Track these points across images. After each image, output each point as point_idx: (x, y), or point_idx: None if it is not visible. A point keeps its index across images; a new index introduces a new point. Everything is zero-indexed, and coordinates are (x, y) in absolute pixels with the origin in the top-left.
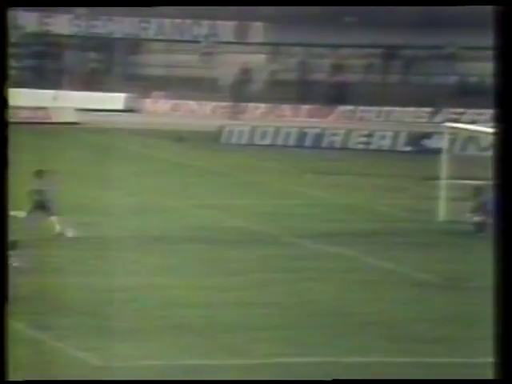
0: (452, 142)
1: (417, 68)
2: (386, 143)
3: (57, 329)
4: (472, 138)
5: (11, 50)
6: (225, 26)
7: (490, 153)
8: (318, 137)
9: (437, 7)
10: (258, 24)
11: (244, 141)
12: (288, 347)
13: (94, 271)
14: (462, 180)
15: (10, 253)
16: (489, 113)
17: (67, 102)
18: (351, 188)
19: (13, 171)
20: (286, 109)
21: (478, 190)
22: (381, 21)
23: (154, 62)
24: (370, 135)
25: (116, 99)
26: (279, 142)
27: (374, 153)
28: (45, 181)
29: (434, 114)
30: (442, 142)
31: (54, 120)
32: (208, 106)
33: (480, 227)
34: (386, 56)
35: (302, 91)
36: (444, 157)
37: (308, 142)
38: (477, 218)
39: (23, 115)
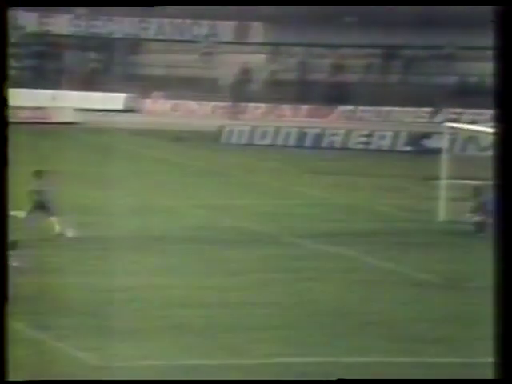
0: (452, 142)
1: (416, 68)
2: (385, 143)
3: (57, 329)
4: (472, 138)
5: (11, 50)
6: (225, 25)
7: (489, 153)
8: (318, 137)
9: (436, 7)
10: (258, 24)
11: (244, 141)
12: (288, 347)
13: (94, 271)
14: (461, 180)
15: (10, 253)
16: (488, 113)
17: (66, 102)
18: (351, 188)
19: (12, 171)
20: (286, 109)
21: (477, 190)
22: (380, 21)
23: (154, 62)
24: (369, 135)
25: (116, 99)
26: (279, 142)
27: (373, 153)
28: (44, 181)
29: (433, 114)
30: (442, 142)
31: (53, 120)
32: (208, 106)
33: (480, 227)
34: (386, 56)
35: (301, 91)
36: (444, 157)
37: (308, 141)
38: (477, 218)
39: (22, 115)
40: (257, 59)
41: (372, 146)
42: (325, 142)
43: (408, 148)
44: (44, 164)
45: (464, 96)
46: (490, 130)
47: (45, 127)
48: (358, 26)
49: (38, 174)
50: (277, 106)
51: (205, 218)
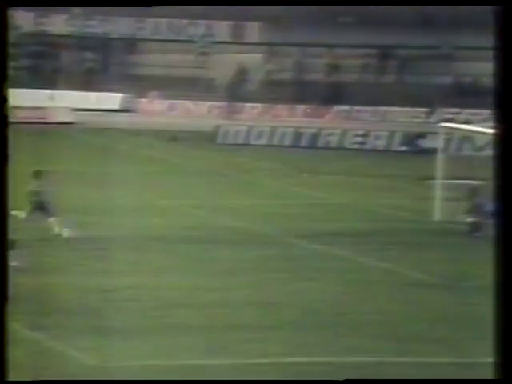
0: (447, 142)
1: (412, 68)
2: (381, 143)
3: (54, 329)
4: (467, 138)
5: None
6: (221, 25)
7: (485, 153)
8: (314, 137)
9: (432, 7)
10: (254, 24)
11: (240, 141)
12: (285, 347)
13: (92, 271)
14: (457, 180)
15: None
16: (484, 113)
17: (63, 102)
18: (347, 188)
19: (10, 171)
20: (282, 109)
21: (472, 191)
22: (376, 21)
23: (150, 61)
24: (365, 135)
25: (112, 99)
26: (275, 141)
27: (369, 153)
28: (42, 181)
29: (429, 114)
30: (438, 142)
31: (50, 120)
32: (204, 106)
33: (475, 227)
34: (382, 56)
35: (297, 91)
36: (439, 157)
37: (304, 141)
38: (471, 219)
39: (19, 115)
40: (253, 59)
41: (368, 146)
42: (321, 142)
43: (403, 148)
44: (41, 164)
45: (460, 96)
46: (486, 130)
47: (41, 127)
48: (354, 26)
49: (37, 174)
50: (273, 105)
51: (201, 218)
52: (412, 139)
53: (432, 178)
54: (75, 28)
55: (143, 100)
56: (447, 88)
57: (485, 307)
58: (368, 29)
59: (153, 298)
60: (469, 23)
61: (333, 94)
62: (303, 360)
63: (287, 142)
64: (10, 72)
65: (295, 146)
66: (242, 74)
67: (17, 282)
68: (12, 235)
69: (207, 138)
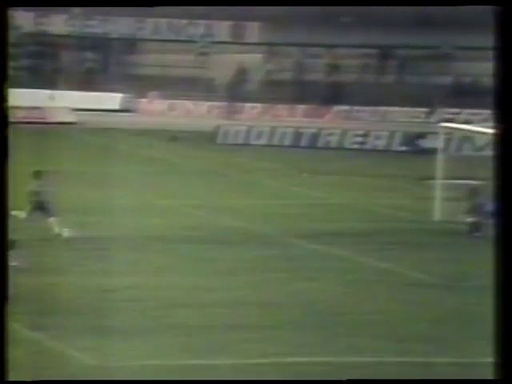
0: (447, 142)
1: (412, 68)
2: (381, 143)
3: (55, 328)
4: (467, 138)
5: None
6: (221, 25)
7: (485, 153)
8: (314, 137)
9: (431, 7)
10: (254, 24)
11: (240, 141)
12: (285, 347)
13: (92, 271)
14: (457, 180)
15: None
16: (484, 113)
17: (63, 102)
18: (347, 188)
19: (10, 171)
20: (282, 109)
21: (472, 191)
22: (376, 21)
23: (150, 61)
24: (365, 135)
25: (112, 99)
26: (275, 141)
27: (369, 153)
28: (43, 181)
29: (429, 113)
30: (438, 142)
31: (50, 120)
32: (204, 106)
33: (475, 227)
34: (382, 56)
35: (297, 91)
36: (439, 157)
37: (304, 141)
38: (471, 219)
39: (19, 115)
40: (253, 59)
41: (368, 146)
42: (320, 142)
43: (403, 148)
44: (41, 164)
45: (460, 96)
46: (486, 130)
47: (41, 127)
48: (354, 26)
49: (37, 174)
50: (273, 105)
51: (201, 218)
52: (412, 139)
53: (432, 178)
54: (75, 28)
55: (143, 100)
56: (447, 88)
57: (485, 307)
58: (368, 29)
59: (153, 298)
60: (469, 23)
61: (333, 94)
62: (303, 360)
63: (287, 142)
64: (10, 72)
65: (295, 146)
66: (241, 74)
67: (17, 282)
68: (12, 235)
69: (207, 138)
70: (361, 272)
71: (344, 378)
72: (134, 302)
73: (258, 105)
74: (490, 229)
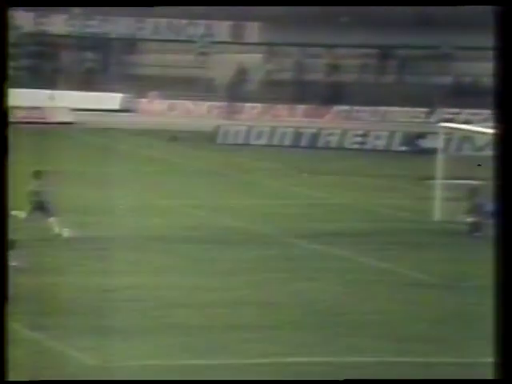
0: (447, 142)
1: (412, 68)
2: (381, 143)
3: (55, 328)
4: (467, 138)
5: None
6: (220, 25)
7: (485, 153)
8: (314, 137)
9: (431, 7)
10: (254, 24)
11: (240, 141)
12: (285, 347)
13: (92, 271)
14: (457, 180)
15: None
16: (484, 113)
17: (63, 102)
18: (347, 188)
19: (10, 171)
20: (282, 109)
21: (472, 191)
22: (376, 21)
23: (150, 61)
24: (365, 135)
25: (112, 99)
26: (275, 141)
27: (369, 153)
28: (42, 181)
29: (429, 113)
30: (437, 142)
31: (49, 120)
32: (204, 106)
33: (475, 227)
34: (382, 56)
35: (297, 91)
36: (439, 157)
37: (304, 141)
38: (471, 219)
39: (19, 115)
40: (253, 59)
41: (368, 146)
42: (320, 142)
43: (403, 148)
44: (41, 164)
45: (459, 96)
46: (486, 130)
47: (41, 127)
48: (354, 26)
49: (37, 174)
50: (273, 105)
51: (201, 218)
52: (412, 139)
53: (432, 177)
54: (75, 28)
55: (143, 100)
56: (447, 88)
57: (484, 307)
58: (368, 29)
59: (153, 298)
60: (469, 23)
61: (333, 94)
62: (303, 360)
63: (287, 142)
64: (10, 72)
65: (295, 146)
66: (241, 74)
67: (17, 282)
68: (12, 235)
69: (207, 138)
70: (361, 272)
71: (344, 378)
72: (133, 301)
73: (258, 105)
74: (489, 229)
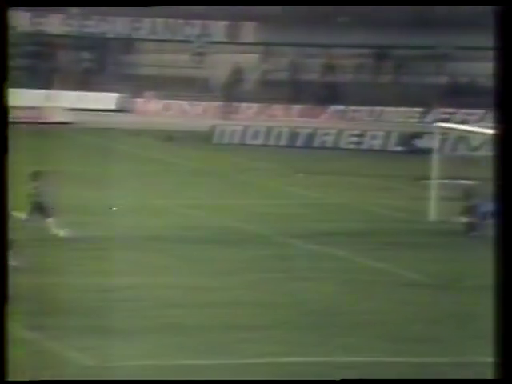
0: (443, 142)
1: (408, 68)
2: (377, 143)
3: (55, 329)
4: (463, 138)
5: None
6: (217, 25)
7: (480, 153)
8: (310, 137)
9: (427, 7)
10: (250, 24)
11: (236, 141)
12: (281, 347)
13: (90, 271)
14: (452, 180)
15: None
16: (480, 113)
17: (60, 102)
18: (343, 188)
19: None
20: (278, 109)
21: (468, 191)
22: (373, 21)
23: (147, 61)
24: (361, 135)
25: (108, 99)
26: (271, 141)
27: (365, 153)
28: (41, 182)
29: (425, 113)
30: (433, 142)
31: (47, 120)
32: (200, 106)
33: (470, 227)
34: (378, 56)
35: (293, 91)
36: (435, 157)
37: (300, 141)
38: (466, 219)
39: (16, 115)
40: (249, 59)
41: (363, 146)
42: (316, 142)
43: (399, 148)
44: (38, 164)
45: (455, 96)
46: (481, 130)
47: (38, 127)
48: (350, 26)
49: (35, 174)
50: (268, 105)
51: (197, 218)
52: (408, 139)
53: (428, 178)
54: (72, 28)
55: (139, 100)
56: (443, 88)
57: (481, 307)
58: (364, 29)
59: (151, 298)
60: (468, 23)
61: (328, 94)
62: (299, 360)
63: (283, 142)
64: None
65: (291, 145)
66: (237, 73)
67: (16, 282)
68: (12, 235)
69: (203, 138)
70: (357, 272)
71: (340, 378)
72: (132, 301)
73: (254, 105)
74: (485, 229)
